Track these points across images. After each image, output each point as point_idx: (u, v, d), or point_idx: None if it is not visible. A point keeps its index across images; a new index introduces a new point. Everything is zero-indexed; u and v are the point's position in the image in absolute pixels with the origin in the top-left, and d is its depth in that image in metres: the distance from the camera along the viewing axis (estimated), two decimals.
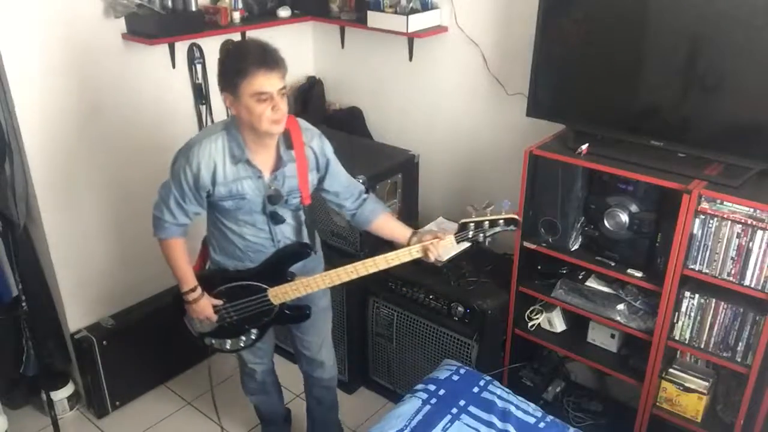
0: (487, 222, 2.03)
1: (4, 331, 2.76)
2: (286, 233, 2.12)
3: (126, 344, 2.91)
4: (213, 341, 2.27)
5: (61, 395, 2.91)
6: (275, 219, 2.05)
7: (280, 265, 2.12)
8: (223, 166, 1.93)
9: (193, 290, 2.11)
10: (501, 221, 2.03)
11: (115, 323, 2.91)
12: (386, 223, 2.20)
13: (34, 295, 2.75)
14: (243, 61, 1.77)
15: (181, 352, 3.17)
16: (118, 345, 2.88)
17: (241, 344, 2.26)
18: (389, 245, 2.20)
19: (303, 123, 2.05)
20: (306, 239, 2.15)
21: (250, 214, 2.03)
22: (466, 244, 2.14)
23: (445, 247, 2.03)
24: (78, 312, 2.87)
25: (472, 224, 2.03)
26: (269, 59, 1.78)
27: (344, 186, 2.16)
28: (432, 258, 2.03)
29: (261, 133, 1.88)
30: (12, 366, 2.81)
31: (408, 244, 2.08)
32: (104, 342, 2.83)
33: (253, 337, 2.24)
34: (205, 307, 2.13)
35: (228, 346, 2.28)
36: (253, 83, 1.77)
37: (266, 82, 1.77)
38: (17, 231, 2.62)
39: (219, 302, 2.15)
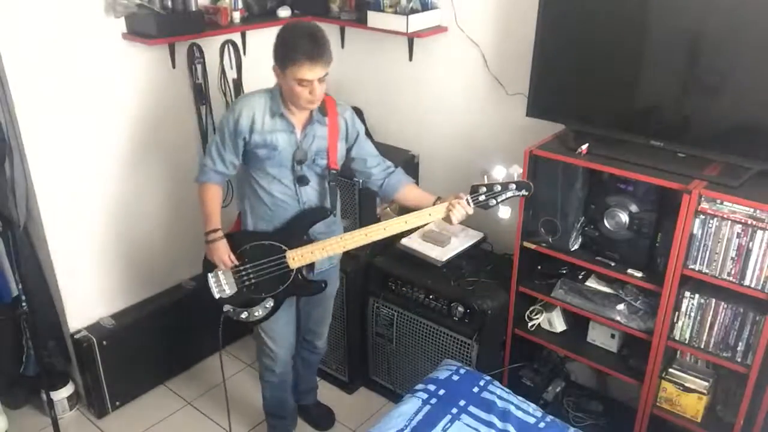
0: (498, 185, 2.07)
1: (4, 331, 2.76)
2: (311, 196, 2.25)
3: (126, 344, 2.91)
4: (230, 309, 2.33)
5: (61, 395, 2.91)
6: (301, 179, 2.19)
7: (300, 226, 2.24)
8: (262, 117, 2.13)
9: (214, 231, 2.23)
10: (512, 185, 2.07)
11: (115, 323, 2.91)
12: (411, 192, 2.32)
13: (34, 295, 2.75)
14: (293, 50, 1.97)
15: (181, 352, 3.17)
16: (118, 345, 2.88)
17: (257, 314, 2.31)
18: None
19: (340, 100, 2.26)
20: (328, 204, 2.26)
21: (279, 167, 2.17)
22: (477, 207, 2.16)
23: (461, 208, 2.09)
24: (78, 312, 2.87)
25: (483, 187, 2.07)
26: (316, 53, 1.97)
27: (372, 155, 2.32)
28: (453, 220, 2.10)
29: (297, 106, 2.11)
30: (12, 366, 2.82)
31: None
32: (104, 342, 2.83)
33: (268, 307, 2.30)
34: (222, 249, 2.23)
35: (244, 316, 2.32)
36: (298, 71, 1.98)
37: (309, 72, 1.98)
38: (17, 231, 2.62)
39: (236, 261, 2.25)
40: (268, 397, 2.65)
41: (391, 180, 2.32)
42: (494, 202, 2.08)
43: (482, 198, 2.08)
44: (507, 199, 2.09)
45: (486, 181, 2.07)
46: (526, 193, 2.10)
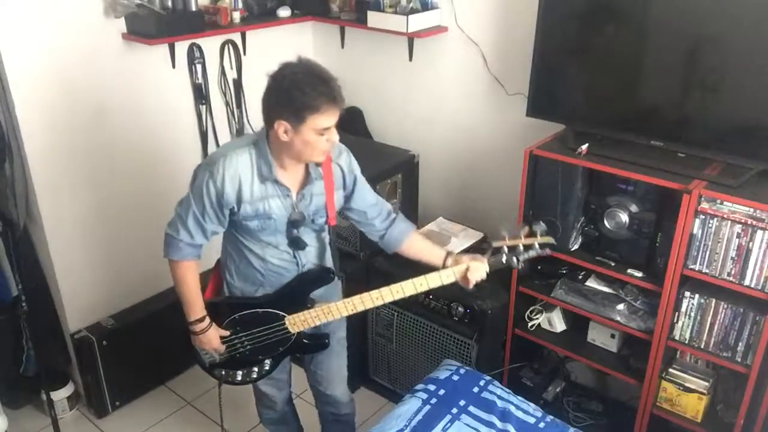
0: (521, 246, 1.90)
1: (4, 331, 2.76)
2: (310, 257, 2.01)
3: (126, 344, 2.91)
4: (223, 372, 2.15)
5: (61, 395, 2.91)
6: (297, 244, 1.93)
7: (300, 291, 1.99)
8: (250, 183, 1.81)
9: (200, 320, 1.97)
10: (536, 245, 1.90)
11: (115, 323, 2.91)
12: (417, 243, 2.08)
13: (34, 295, 2.75)
14: (310, 97, 1.67)
15: (181, 352, 3.15)
16: (118, 345, 2.87)
17: (254, 375, 2.14)
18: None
19: None
20: (329, 263, 2.05)
21: (274, 234, 1.91)
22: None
23: (479, 271, 1.93)
24: (78, 312, 2.87)
25: (504, 247, 1.91)
26: (338, 95, 1.72)
27: (372, 204, 2.05)
28: (470, 284, 1.94)
29: (303, 161, 1.82)
30: (12, 366, 2.81)
31: (443, 266, 1.98)
32: (104, 342, 2.83)
33: (266, 368, 2.12)
34: (212, 339, 2.00)
35: (239, 378, 2.15)
36: (321, 119, 1.69)
37: (332, 118, 1.72)
38: (17, 231, 2.62)
39: (227, 333, 2.02)
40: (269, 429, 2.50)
41: (393, 231, 2.07)
42: (515, 261, 1.92)
43: (503, 260, 1.92)
44: (529, 258, 1.93)
45: (507, 240, 1.90)
46: (551, 253, 1.95)
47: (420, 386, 2.23)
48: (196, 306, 1.97)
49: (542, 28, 2.34)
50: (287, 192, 1.86)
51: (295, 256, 1.97)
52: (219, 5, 2.90)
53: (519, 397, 2.21)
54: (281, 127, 1.72)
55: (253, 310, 2.00)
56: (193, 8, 2.75)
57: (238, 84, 3.12)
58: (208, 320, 1.98)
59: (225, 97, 3.11)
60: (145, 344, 2.98)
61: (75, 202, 2.73)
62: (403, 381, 2.91)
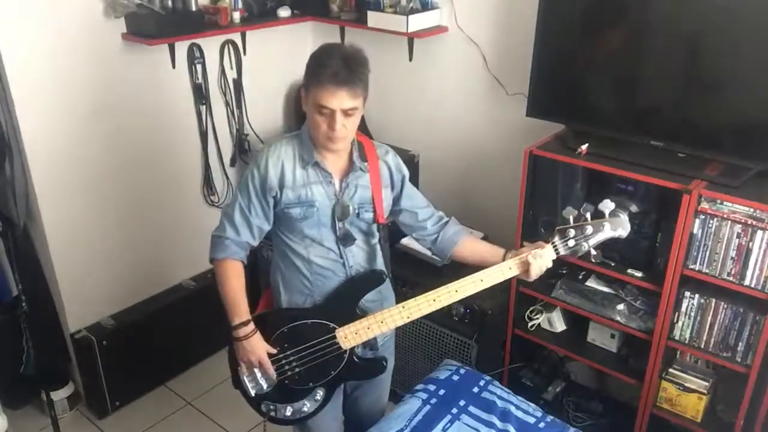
0: (589, 227, 1.71)
1: (4, 331, 2.76)
2: (358, 259, 1.88)
3: (126, 344, 2.91)
4: (271, 406, 1.93)
5: (61, 395, 2.91)
6: (345, 238, 1.82)
7: (350, 298, 1.86)
8: (292, 168, 1.78)
9: (245, 324, 1.82)
10: (606, 224, 1.71)
11: (115, 323, 2.91)
12: (473, 245, 1.96)
13: (34, 295, 2.75)
14: (320, 69, 1.65)
15: (181, 352, 3.17)
16: (118, 345, 2.87)
17: (305, 409, 1.93)
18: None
19: (375, 141, 1.93)
20: (380, 266, 1.91)
21: (317, 227, 1.81)
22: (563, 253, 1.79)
23: (545, 257, 1.75)
24: (78, 312, 2.87)
25: (572, 230, 1.73)
26: (343, 76, 1.63)
27: (423, 206, 1.96)
28: (532, 274, 1.77)
29: (319, 145, 1.77)
30: (12, 366, 2.81)
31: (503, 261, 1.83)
32: (104, 342, 2.83)
33: (318, 398, 1.92)
34: (257, 346, 1.83)
35: (289, 414, 1.93)
36: (319, 95, 1.65)
37: (332, 97, 1.64)
38: (17, 231, 2.62)
39: (273, 351, 1.86)
40: None
41: (447, 233, 1.94)
42: (586, 246, 1.73)
43: (572, 243, 1.73)
44: (600, 242, 1.74)
45: (572, 222, 1.72)
46: (623, 235, 1.73)
47: (420, 386, 2.23)
48: (240, 308, 1.83)
49: (542, 28, 2.34)
50: (329, 178, 1.80)
51: (341, 255, 1.85)
52: (219, 5, 2.90)
53: (519, 397, 2.21)
54: (302, 96, 1.74)
55: (301, 322, 1.86)
56: (193, 8, 2.75)
57: (238, 84, 3.12)
58: (252, 326, 1.84)
59: (225, 97, 3.11)
60: (145, 344, 2.99)
61: (75, 202, 2.73)
62: (403, 381, 2.90)
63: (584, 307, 2.45)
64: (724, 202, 2.01)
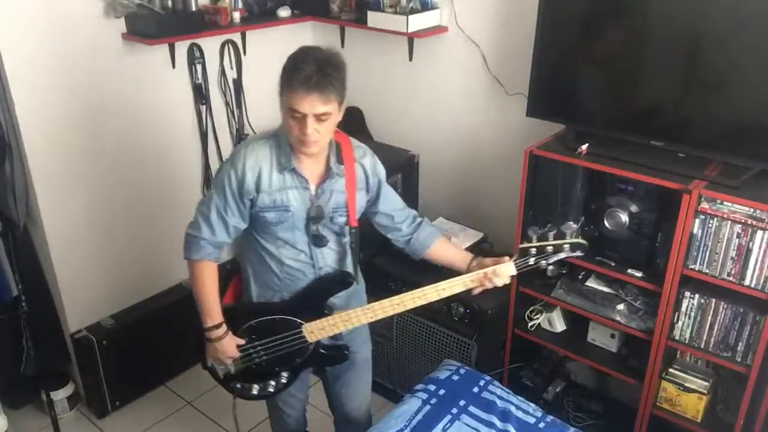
0: (550, 247, 1.81)
1: (4, 331, 2.76)
2: (328, 260, 1.92)
3: (126, 344, 2.91)
4: (239, 385, 2.06)
5: (61, 395, 2.91)
6: (318, 241, 1.86)
7: (318, 297, 1.92)
8: (269, 172, 1.79)
9: (217, 327, 1.90)
10: (566, 246, 1.81)
11: (115, 323, 2.91)
12: (443, 248, 2.02)
13: (34, 295, 2.75)
14: (293, 73, 1.66)
15: (181, 352, 3.16)
16: (118, 345, 2.87)
17: (270, 389, 2.04)
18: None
19: (354, 140, 1.94)
20: (350, 268, 1.96)
21: (291, 230, 1.85)
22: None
23: (503, 276, 1.85)
24: (78, 312, 2.87)
25: (533, 249, 1.82)
26: (315, 81, 1.63)
27: (399, 208, 2.00)
28: (489, 286, 1.86)
29: (295, 148, 1.79)
30: (12, 366, 2.81)
31: (468, 270, 1.91)
32: (104, 342, 2.83)
33: (283, 381, 2.03)
34: (227, 348, 1.92)
35: (255, 392, 2.05)
36: (291, 98, 1.66)
37: (303, 102, 1.65)
38: (17, 231, 2.62)
39: (242, 341, 1.95)
40: None
41: (420, 235, 2.00)
42: (545, 263, 1.84)
43: (532, 261, 1.83)
44: (559, 260, 1.85)
45: (535, 241, 1.82)
46: (581, 254, 1.84)
47: (420, 386, 2.23)
48: (213, 311, 1.90)
49: (542, 28, 2.34)
50: (305, 184, 1.82)
51: (312, 257, 1.89)
52: (219, 5, 2.90)
53: (519, 397, 2.21)
54: (280, 99, 1.74)
55: (269, 317, 1.93)
56: (193, 8, 2.75)
57: (238, 84, 3.12)
58: (224, 327, 1.91)
59: (225, 97, 3.11)
60: (145, 344, 2.98)
61: (75, 202, 2.73)
62: (403, 381, 2.91)
63: (584, 307, 2.45)
64: (724, 202, 2.01)
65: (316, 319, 1.91)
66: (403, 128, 3.25)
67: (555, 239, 1.81)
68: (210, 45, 2.96)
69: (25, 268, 2.69)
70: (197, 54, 2.92)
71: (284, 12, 3.12)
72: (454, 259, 1.98)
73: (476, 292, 1.90)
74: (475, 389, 2.21)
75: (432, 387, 2.21)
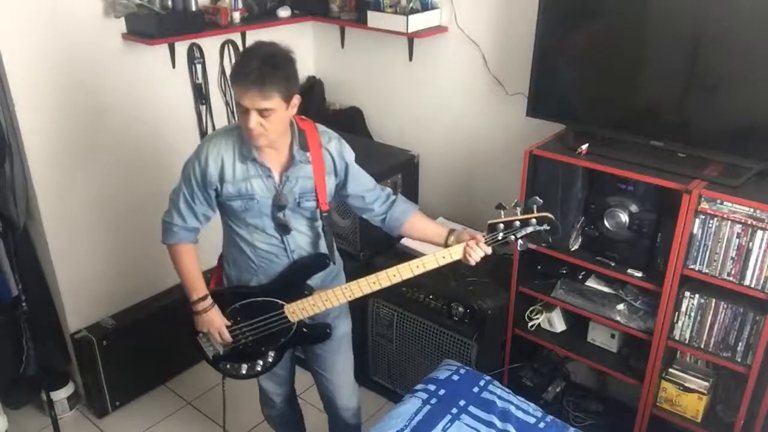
0: (517, 222, 1.86)
1: (4, 331, 2.76)
2: (300, 243, 1.99)
3: (126, 344, 2.91)
4: (228, 366, 2.16)
5: (61, 395, 2.91)
6: (282, 229, 1.93)
7: (295, 279, 2.00)
8: (232, 163, 1.86)
9: (202, 299, 2.00)
10: (533, 221, 1.85)
11: (115, 323, 2.91)
12: (419, 224, 2.05)
13: (34, 295, 2.75)
14: (235, 69, 1.74)
15: (181, 352, 3.16)
16: (118, 345, 2.88)
17: (258, 368, 2.14)
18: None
19: (321, 127, 1.97)
20: (324, 250, 2.02)
21: (259, 217, 1.92)
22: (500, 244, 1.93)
23: (476, 253, 1.88)
24: (78, 312, 2.87)
25: (501, 225, 1.86)
26: (253, 77, 1.67)
27: (369, 189, 2.04)
28: (472, 262, 1.88)
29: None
30: (12, 366, 2.81)
31: (445, 245, 1.94)
32: (104, 342, 2.83)
33: (270, 360, 2.12)
34: (214, 319, 2.02)
35: (244, 371, 2.15)
36: (235, 92, 1.73)
37: (244, 97, 1.70)
38: (17, 231, 2.62)
39: (228, 323, 2.04)
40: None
41: (394, 212, 2.04)
42: (513, 238, 1.87)
43: (500, 237, 1.87)
44: (527, 235, 1.88)
45: (503, 217, 1.87)
46: (549, 228, 1.86)
47: (420, 386, 2.23)
48: (197, 285, 2.01)
49: (542, 28, 2.34)
50: (268, 172, 1.88)
51: (283, 242, 1.96)
52: (219, 5, 2.90)
53: (519, 397, 2.21)
54: None
55: (251, 300, 2.02)
56: (193, 8, 2.75)
57: None
58: (210, 300, 2.01)
59: (225, 97, 3.11)
60: (145, 344, 2.99)
61: (75, 202, 2.73)
62: (403, 381, 2.91)
63: (584, 307, 2.45)
64: (724, 202, 2.01)
65: (296, 300, 1.98)
66: (403, 128, 3.25)
67: (523, 214, 1.86)
68: (210, 45, 2.96)
69: (25, 268, 2.69)
70: (197, 54, 2.92)
71: (284, 12, 3.12)
72: (431, 235, 2.02)
73: (473, 262, 1.90)
74: (475, 389, 2.21)
75: (432, 387, 2.21)
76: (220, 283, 2.13)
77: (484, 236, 1.88)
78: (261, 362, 2.13)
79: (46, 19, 2.44)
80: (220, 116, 3.13)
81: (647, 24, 2.17)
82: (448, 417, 2.10)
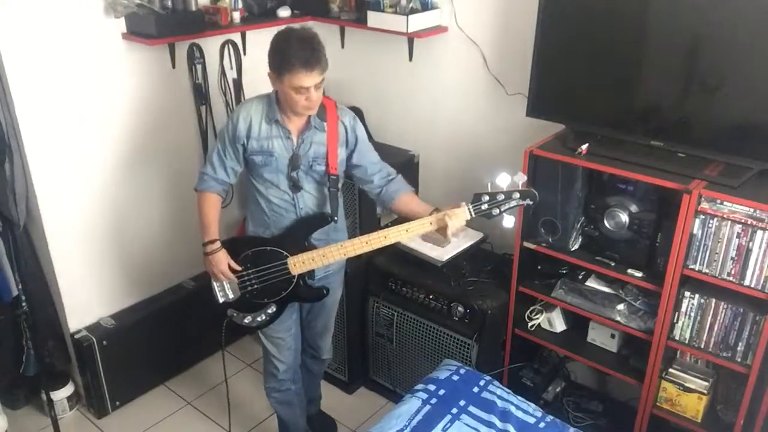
0: (501, 194, 2.00)
1: (4, 331, 2.76)
2: (308, 202, 2.22)
3: (126, 344, 2.91)
4: (234, 314, 2.32)
5: (61, 395, 2.91)
6: (294, 186, 2.17)
7: (300, 233, 2.22)
8: (259, 123, 2.14)
9: (212, 242, 2.21)
10: (516, 194, 2.00)
11: (115, 323, 2.91)
12: (410, 201, 2.27)
13: (34, 295, 2.75)
14: (289, 58, 1.95)
15: (181, 352, 3.17)
16: (118, 345, 2.88)
17: (260, 318, 2.30)
18: None
19: (341, 105, 2.23)
20: (328, 209, 2.22)
21: (276, 173, 2.17)
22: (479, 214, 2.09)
23: (459, 217, 2.05)
24: (78, 312, 2.87)
25: (486, 196, 2.01)
26: (313, 60, 1.95)
27: (372, 162, 2.28)
28: (449, 231, 2.05)
29: (293, 112, 2.10)
30: (12, 366, 2.82)
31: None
32: (104, 342, 2.83)
33: (271, 312, 2.29)
34: (220, 260, 2.21)
35: (247, 321, 2.31)
36: (294, 79, 1.96)
37: (306, 79, 1.96)
38: (17, 231, 2.62)
39: (239, 268, 2.23)
40: (275, 411, 2.65)
41: (389, 188, 2.29)
42: (497, 211, 2.03)
43: (485, 207, 2.03)
44: (510, 208, 2.02)
45: (489, 189, 2.01)
46: (531, 203, 2.01)
47: (420, 386, 2.24)
48: (210, 230, 2.23)
49: (542, 28, 2.34)
50: (288, 134, 2.15)
51: (293, 198, 2.20)
52: (219, 5, 2.90)
53: (519, 397, 2.21)
54: (271, 77, 2.06)
55: (261, 248, 2.23)
56: (193, 8, 2.75)
57: (238, 84, 3.12)
58: (218, 244, 2.22)
59: (225, 97, 3.11)
60: (145, 344, 2.99)
61: (75, 202, 2.73)
62: (403, 381, 2.91)
63: (584, 307, 2.45)
64: (724, 202, 2.01)
65: (299, 253, 2.19)
66: (403, 128, 3.25)
67: (508, 188, 1.99)
68: (210, 45, 2.96)
69: (25, 268, 2.69)
70: (197, 54, 2.92)
71: (284, 12, 3.12)
72: (417, 210, 2.21)
73: (449, 233, 2.07)
74: (475, 389, 2.22)
75: (432, 387, 2.22)
76: (242, 233, 2.40)
77: (467, 205, 2.04)
78: (263, 314, 2.30)
79: (47, 19, 2.44)
80: (220, 116, 3.13)
81: (647, 24, 2.17)
82: (448, 417, 2.10)
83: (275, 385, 2.50)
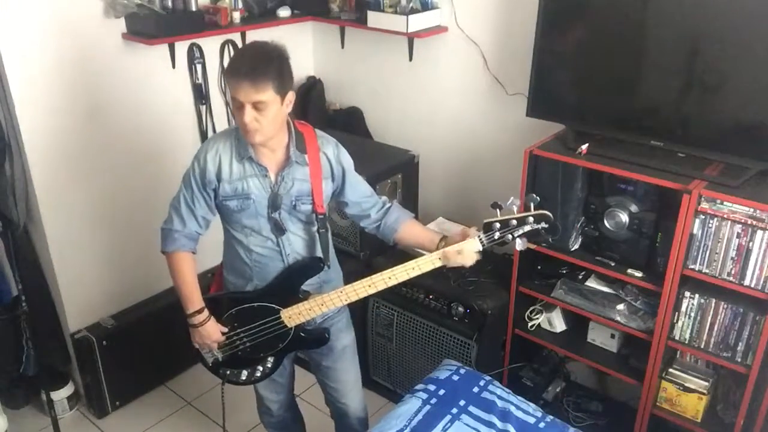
0: (513, 220, 1.80)
1: (4, 331, 2.76)
2: (296, 247, 1.98)
3: (126, 344, 2.91)
4: (228, 372, 2.15)
5: (61, 395, 2.91)
6: (278, 230, 1.93)
7: (291, 283, 1.98)
8: (229, 163, 1.88)
9: (198, 312, 1.98)
10: (530, 218, 1.79)
11: (115, 323, 2.91)
12: (413, 230, 2.04)
13: (34, 295, 2.75)
14: (232, 64, 1.79)
15: (181, 352, 3.15)
16: (118, 345, 2.88)
17: (258, 374, 2.13)
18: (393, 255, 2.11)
19: (319, 131, 1.98)
20: (319, 253, 2.00)
21: (255, 218, 1.92)
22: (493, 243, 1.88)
23: (469, 255, 1.84)
24: (78, 312, 2.87)
25: (497, 224, 1.82)
26: (246, 70, 1.70)
27: (366, 196, 2.05)
28: (458, 264, 1.86)
29: (246, 139, 1.83)
30: (12, 366, 2.82)
31: (437, 250, 1.91)
32: (104, 342, 2.83)
33: (269, 365, 2.12)
34: (212, 331, 2.00)
35: (244, 378, 2.14)
36: (233, 90, 1.73)
37: (238, 90, 1.71)
38: (17, 231, 2.62)
39: (225, 329, 2.04)
40: None
41: (388, 220, 2.04)
42: (510, 237, 1.82)
43: (497, 236, 1.82)
44: (524, 234, 1.82)
45: (499, 215, 1.82)
46: (546, 226, 1.79)
47: (420, 386, 2.23)
48: (193, 297, 1.98)
49: (542, 28, 2.34)
50: (264, 171, 1.88)
51: (278, 244, 1.95)
52: (219, 5, 2.90)
53: (519, 397, 2.21)
54: None
55: (248, 305, 2.01)
56: (193, 8, 2.75)
57: None
58: (206, 313, 1.99)
59: (225, 97, 3.11)
60: (145, 344, 2.99)
61: (75, 203, 2.73)
62: (403, 381, 2.91)
63: (584, 307, 2.45)
64: (724, 202, 2.01)
65: (293, 304, 1.97)
66: (403, 128, 3.25)
67: (520, 212, 1.81)
68: (210, 45, 2.96)
69: (25, 268, 2.69)
70: (197, 54, 2.92)
71: (284, 12, 3.12)
72: (423, 241, 2.00)
73: (469, 263, 1.87)
74: (475, 389, 2.21)
75: (432, 387, 2.21)
76: (221, 289, 2.12)
77: (479, 236, 1.84)
78: (260, 368, 2.13)
79: (47, 19, 2.44)
80: (220, 116, 3.13)
81: (647, 23, 2.17)
82: (448, 417, 2.09)
83: (272, 421, 2.40)
